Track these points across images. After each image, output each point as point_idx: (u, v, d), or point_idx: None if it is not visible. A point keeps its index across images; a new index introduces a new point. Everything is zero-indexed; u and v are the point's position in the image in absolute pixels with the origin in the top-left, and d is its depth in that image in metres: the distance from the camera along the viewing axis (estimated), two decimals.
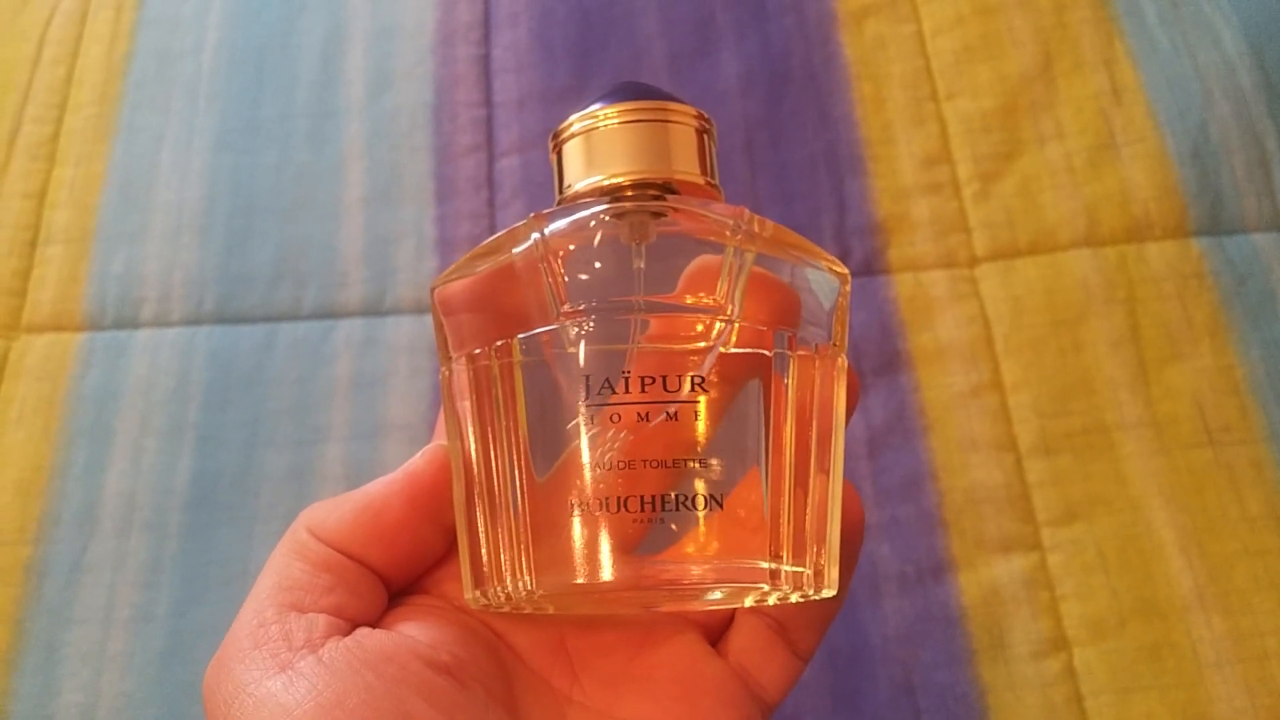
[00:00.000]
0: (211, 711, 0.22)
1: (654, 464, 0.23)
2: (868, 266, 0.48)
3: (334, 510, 0.25)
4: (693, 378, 0.23)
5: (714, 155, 0.27)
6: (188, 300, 0.48)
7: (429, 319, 0.48)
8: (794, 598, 0.25)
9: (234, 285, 0.49)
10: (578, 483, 0.23)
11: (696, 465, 0.23)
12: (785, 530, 0.24)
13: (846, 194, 0.50)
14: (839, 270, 0.26)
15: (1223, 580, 0.41)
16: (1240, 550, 0.42)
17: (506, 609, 0.25)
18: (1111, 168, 0.50)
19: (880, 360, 0.46)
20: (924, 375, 0.46)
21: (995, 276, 0.48)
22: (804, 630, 0.27)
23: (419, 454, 0.26)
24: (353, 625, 0.24)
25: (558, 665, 0.26)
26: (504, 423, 0.24)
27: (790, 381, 0.24)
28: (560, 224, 0.25)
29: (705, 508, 0.23)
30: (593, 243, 0.24)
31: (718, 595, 0.25)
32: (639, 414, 0.23)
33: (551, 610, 0.25)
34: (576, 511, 0.23)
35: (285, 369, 0.47)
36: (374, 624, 0.24)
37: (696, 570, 0.23)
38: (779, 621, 0.27)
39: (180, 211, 0.50)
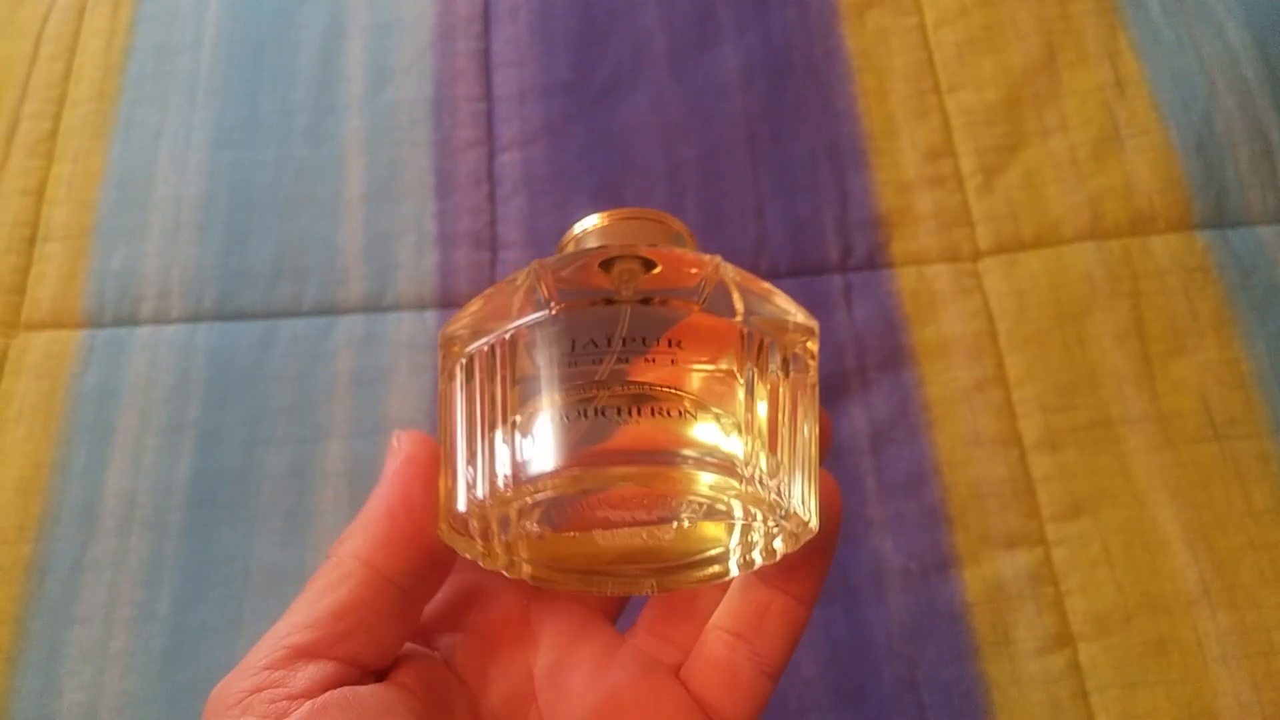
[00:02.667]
0: None
1: (633, 384, 0.24)
2: (871, 260, 0.48)
3: (360, 529, 0.25)
4: (669, 339, 0.25)
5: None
6: (187, 297, 0.48)
7: (430, 315, 0.48)
8: (777, 539, 0.25)
9: (234, 282, 0.48)
10: (559, 398, 0.24)
11: (676, 392, 0.24)
12: (757, 450, 0.24)
13: (849, 187, 0.50)
14: (810, 326, 0.27)
15: (1228, 574, 0.41)
16: (1246, 544, 0.42)
17: (478, 544, 0.25)
18: (1115, 160, 0.49)
19: (883, 355, 0.46)
20: (927, 370, 0.46)
21: (999, 270, 0.47)
22: (771, 642, 0.27)
23: (392, 453, 0.26)
24: (362, 672, 0.24)
25: (528, 713, 0.27)
26: (498, 394, 0.25)
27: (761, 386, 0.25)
28: (557, 264, 0.26)
29: (680, 416, 0.24)
30: (584, 281, 0.26)
31: (703, 483, 0.24)
32: (620, 358, 0.24)
33: (522, 553, 0.26)
34: (556, 417, 0.23)
35: (285, 366, 0.47)
36: (385, 667, 0.25)
37: (677, 451, 0.23)
38: (743, 638, 0.27)
39: (179, 208, 0.50)
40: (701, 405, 0.24)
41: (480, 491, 0.24)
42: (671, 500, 0.25)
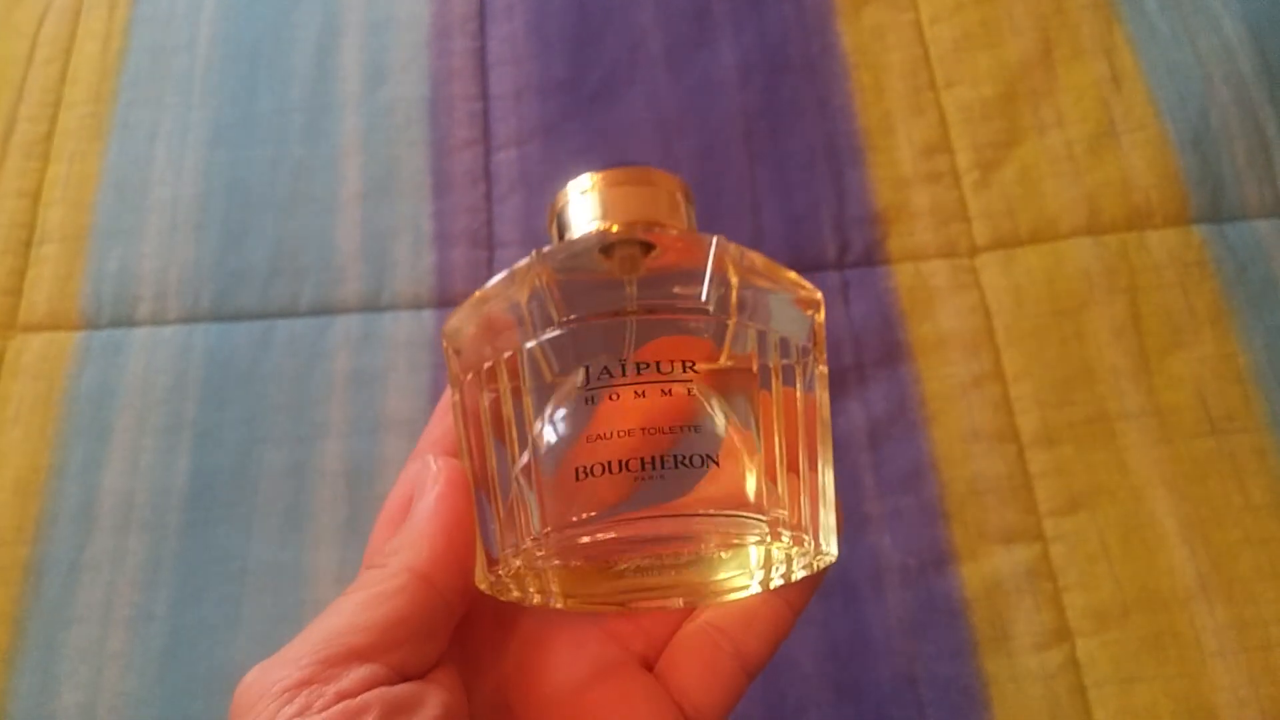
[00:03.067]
0: (238, 718, 0.23)
1: (651, 430, 0.24)
2: (868, 257, 0.48)
3: (415, 543, 0.26)
4: (684, 363, 0.25)
5: (693, 216, 0.29)
6: (184, 297, 0.48)
7: (427, 314, 0.48)
8: (796, 564, 0.26)
9: (230, 282, 0.48)
10: (580, 453, 0.24)
11: (692, 431, 0.25)
12: (781, 492, 0.25)
13: (846, 184, 0.50)
14: (813, 298, 0.27)
15: (1226, 569, 0.41)
16: (1243, 539, 0.42)
17: (514, 588, 0.26)
18: (1112, 155, 0.49)
19: (881, 351, 0.46)
20: (925, 366, 0.46)
21: (996, 266, 0.47)
22: (755, 641, 0.27)
23: (434, 473, 0.27)
24: (402, 680, 0.24)
25: (503, 719, 0.27)
26: (515, 417, 0.25)
27: (775, 388, 0.26)
28: (556, 256, 0.27)
29: (703, 466, 0.24)
30: (586, 270, 0.27)
31: (720, 554, 0.26)
32: (636, 391, 0.25)
33: (557, 591, 0.26)
34: (579, 476, 0.24)
35: (283, 365, 0.47)
36: (422, 675, 0.25)
37: (698, 519, 0.24)
38: (728, 634, 0.27)
39: (176, 208, 0.50)
40: (722, 444, 0.25)
41: (511, 557, 0.25)
42: (700, 548, 0.26)
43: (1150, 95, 0.51)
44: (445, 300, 0.48)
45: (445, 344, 0.28)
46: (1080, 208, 0.48)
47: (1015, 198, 0.49)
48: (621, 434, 0.24)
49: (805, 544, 0.25)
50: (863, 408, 0.45)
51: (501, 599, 0.26)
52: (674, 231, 0.27)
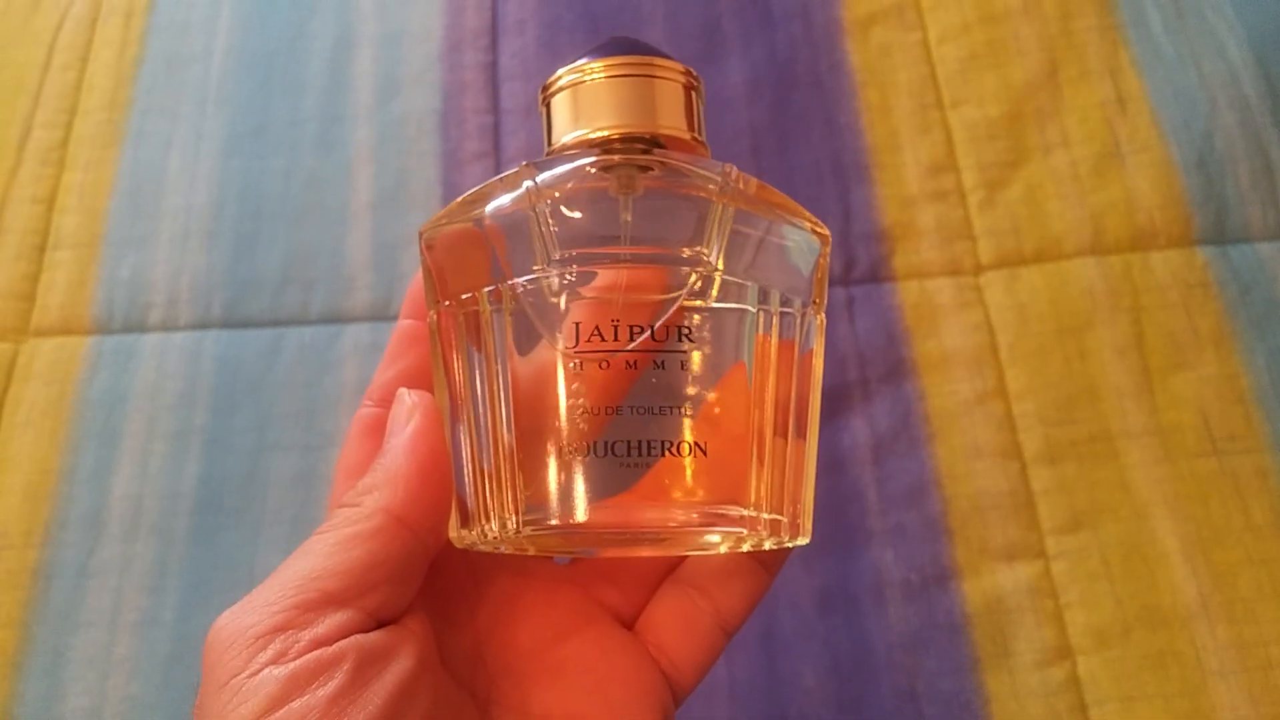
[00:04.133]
0: (211, 664, 0.22)
1: (640, 410, 0.23)
2: (873, 274, 0.48)
3: (388, 484, 0.25)
4: (680, 329, 0.24)
5: (701, 111, 0.27)
6: (195, 304, 0.49)
7: (421, 249, 0.48)
8: (768, 544, 0.25)
9: (242, 290, 0.49)
10: (564, 427, 0.23)
11: (682, 413, 0.24)
12: (765, 479, 0.24)
13: (852, 201, 0.50)
14: (820, 231, 0.26)
15: (1227, 589, 0.41)
16: (1245, 559, 0.42)
17: (487, 548, 0.25)
18: (1116, 176, 0.50)
19: (885, 368, 0.46)
20: (929, 383, 0.46)
21: (1000, 284, 0.48)
22: (732, 599, 0.28)
23: (408, 408, 0.26)
24: (375, 624, 0.24)
25: (477, 673, 0.27)
26: (494, 368, 0.24)
27: (772, 337, 0.25)
28: (549, 174, 0.25)
29: (690, 454, 0.24)
30: (581, 194, 0.25)
31: (707, 541, 0.26)
32: (627, 361, 0.24)
33: (532, 551, 0.26)
34: (561, 455, 0.23)
35: (292, 373, 0.47)
36: (395, 619, 0.25)
37: (679, 514, 0.24)
38: (705, 593, 0.28)
39: (188, 216, 0.51)
40: (712, 427, 0.24)
41: (489, 527, 0.24)
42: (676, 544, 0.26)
43: (1155, 117, 0.51)
44: None
45: (422, 247, 0.26)
46: (1084, 228, 0.49)
47: (1020, 217, 0.49)
48: (608, 411, 0.23)
49: (782, 533, 0.25)
50: (867, 423, 0.45)
51: (472, 549, 0.26)
52: (680, 158, 0.26)
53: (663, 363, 0.24)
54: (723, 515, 0.24)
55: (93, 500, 0.44)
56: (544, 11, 0.55)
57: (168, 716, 0.40)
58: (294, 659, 0.22)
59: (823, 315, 0.27)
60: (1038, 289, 0.48)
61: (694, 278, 0.24)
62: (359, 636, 0.23)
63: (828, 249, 0.26)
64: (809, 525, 0.26)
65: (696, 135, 0.27)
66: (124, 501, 0.44)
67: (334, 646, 0.22)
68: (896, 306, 0.48)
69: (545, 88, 0.27)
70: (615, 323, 0.24)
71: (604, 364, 0.24)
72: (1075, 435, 0.44)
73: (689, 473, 0.24)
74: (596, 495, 0.23)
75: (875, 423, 0.45)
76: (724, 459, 0.24)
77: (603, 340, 0.24)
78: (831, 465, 0.44)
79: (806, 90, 0.53)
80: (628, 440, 0.23)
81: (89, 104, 0.54)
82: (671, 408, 0.24)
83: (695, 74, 0.27)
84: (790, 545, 0.26)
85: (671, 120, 0.26)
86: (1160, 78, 0.52)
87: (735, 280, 0.24)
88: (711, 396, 0.24)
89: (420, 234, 0.26)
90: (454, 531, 0.25)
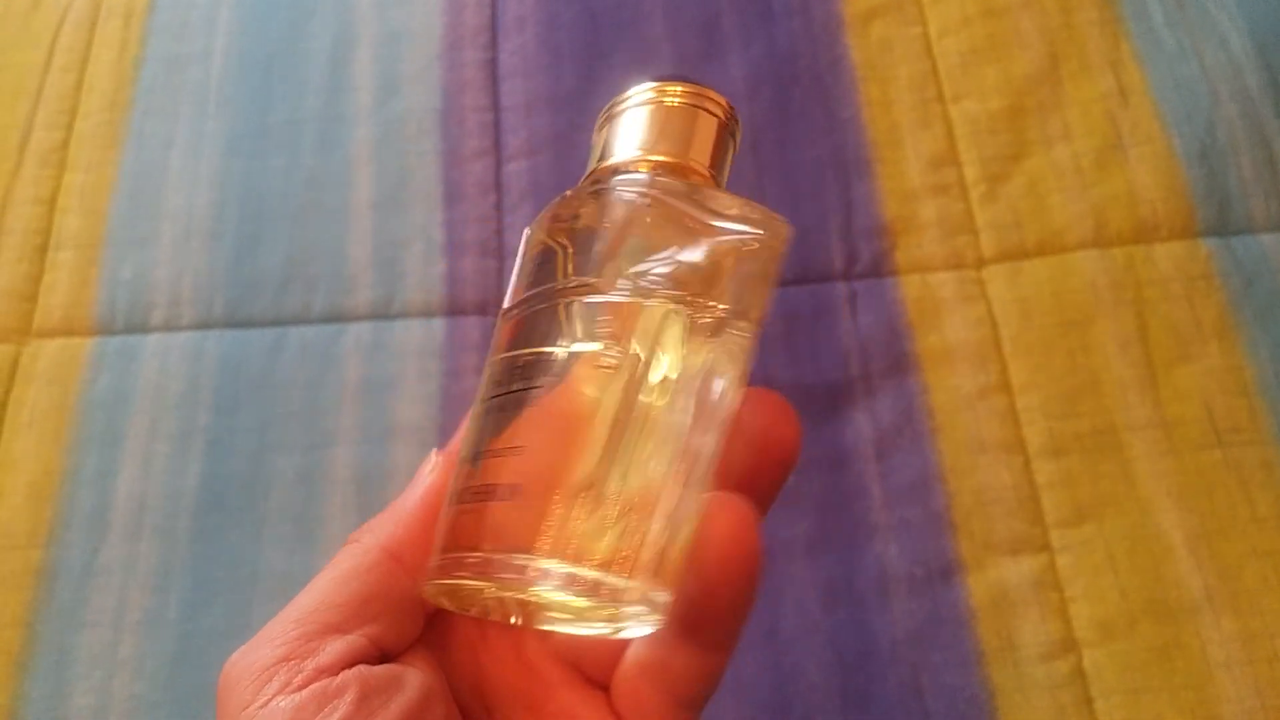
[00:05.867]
0: (223, 700, 0.23)
1: (493, 454, 0.22)
2: (875, 268, 0.48)
3: (389, 522, 0.25)
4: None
5: (724, 146, 0.25)
6: (197, 304, 0.49)
7: (437, 323, 0.48)
8: (601, 622, 0.22)
9: (243, 289, 0.49)
10: (467, 471, 0.23)
11: (515, 457, 0.22)
12: (588, 527, 0.21)
13: (854, 196, 0.50)
14: (762, 235, 0.23)
15: (1232, 581, 0.41)
16: (1249, 551, 0.42)
17: (447, 601, 0.25)
18: (1119, 169, 0.50)
19: (888, 362, 0.46)
20: (932, 377, 0.46)
21: (1003, 278, 0.48)
22: (683, 682, 0.25)
23: (432, 464, 0.26)
24: (380, 656, 0.24)
25: (479, 714, 0.27)
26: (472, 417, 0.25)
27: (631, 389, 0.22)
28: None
29: (508, 499, 0.22)
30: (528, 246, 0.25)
31: (543, 596, 0.22)
32: (500, 405, 0.23)
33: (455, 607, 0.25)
34: (454, 500, 0.23)
35: (294, 373, 0.47)
36: (404, 651, 0.25)
37: (474, 559, 0.22)
38: (661, 665, 0.25)
39: (190, 216, 0.51)
40: (553, 474, 0.21)
41: (423, 578, 0.24)
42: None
43: (1157, 109, 0.51)
44: (455, 309, 0.48)
45: None
46: (1087, 221, 0.49)
47: (1022, 210, 0.49)
48: (470, 457, 0.23)
49: (620, 623, 0.22)
50: (870, 418, 0.45)
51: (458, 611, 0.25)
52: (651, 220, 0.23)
53: (516, 401, 0.22)
54: (519, 564, 0.21)
55: (96, 500, 0.44)
56: (543, 9, 0.55)
57: (172, 715, 0.40)
58: (300, 688, 0.22)
59: (746, 328, 0.23)
60: (1040, 282, 0.47)
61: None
62: (363, 667, 0.23)
63: (780, 249, 0.23)
64: (659, 602, 0.21)
65: (712, 171, 0.25)
66: (127, 501, 0.44)
67: (338, 676, 0.23)
68: (899, 301, 0.48)
69: (606, 112, 0.26)
70: (498, 361, 0.23)
71: (498, 407, 0.23)
72: (1079, 428, 0.44)
73: (506, 517, 0.22)
74: (442, 546, 0.23)
75: (878, 418, 0.45)
76: (548, 504, 0.21)
77: (497, 386, 0.23)
78: (835, 461, 0.44)
79: (807, 85, 0.53)
80: (471, 486, 0.22)
81: (89, 105, 0.54)
82: (511, 450, 0.22)
83: (735, 115, 0.25)
84: (626, 621, 0.22)
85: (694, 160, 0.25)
86: (1162, 70, 0.52)
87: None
88: (550, 442, 0.22)
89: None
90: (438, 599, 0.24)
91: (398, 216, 0.50)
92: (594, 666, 0.27)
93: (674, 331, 0.22)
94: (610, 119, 0.25)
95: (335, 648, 0.23)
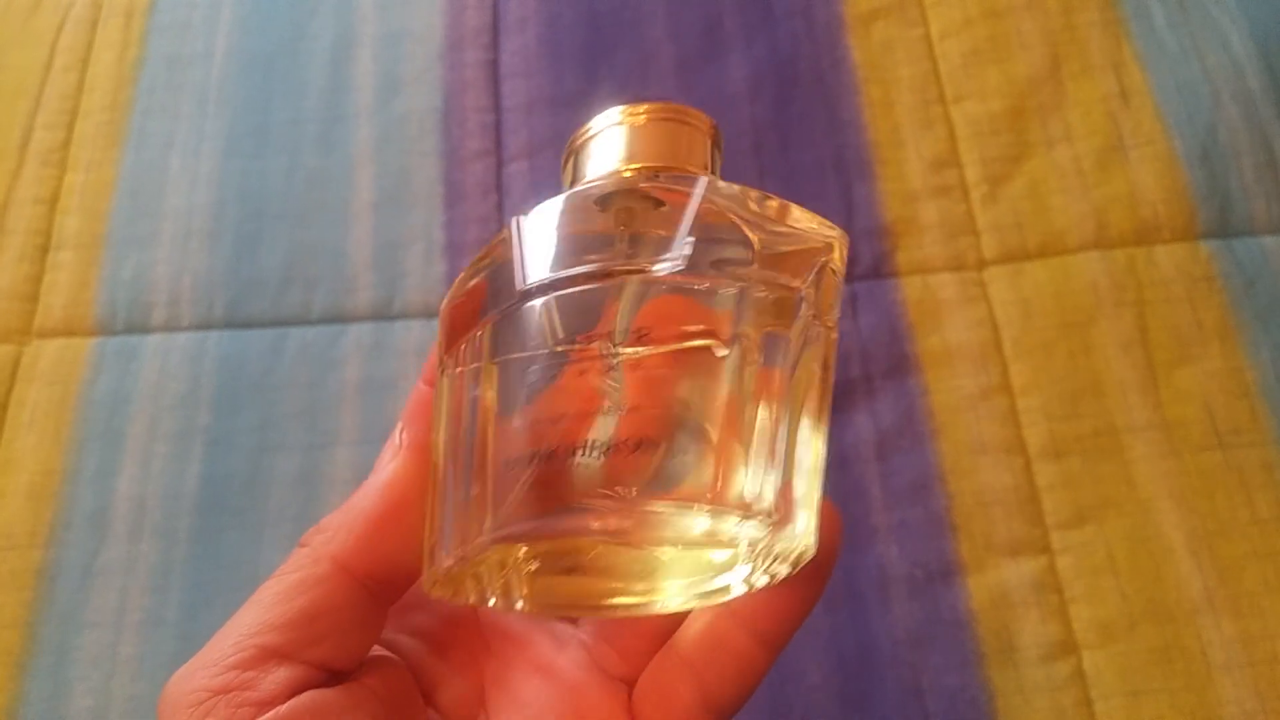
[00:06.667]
0: None
1: (592, 414, 0.22)
2: (876, 269, 0.48)
3: (342, 528, 0.24)
4: (637, 330, 0.22)
5: (717, 162, 0.26)
6: (198, 305, 0.49)
7: (437, 322, 0.48)
8: (773, 563, 0.23)
9: (244, 290, 0.49)
10: (534, 434, 0.22)
11: (652, 413, 0.22)
12: (744, 476, 0.22)
13: (855, 197, 0.50)
14: (827, 241, 0.25)
15: (1233, 583, 0.41)
16: (1250, 553, 0.42)
17: (470, 590, 0.24)
18: (1120, 170, 0.50)
19: (889, 363, 0.46)
20: (933, 378, 0.46)
21: (1004, 279, 0.48)
22: (718, 679, 0.25)
23: (394, 448, 0.25)
24: (329, 675, 0.23)
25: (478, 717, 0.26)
26: (475, 395, 0.23)
27: (751, 363, 0.23)
28: (534, 212, 0.25)
29: (663, 446, 0.22)
30: (582, 225, 0.24)
31: (686, 535, 0.22)
32: (600, 366, 0.22)
33: (518, 589, 0.24)
34: (531, 462, 0.22)
35: (295, 373, 0.47)
36: (351, 669, 0.24)
37: (645, 506, 0.21)
38: (694, 668, 0.25)
39: (190, 217, 0.51)
40: (680, 424, 0.22)
41: (454, 552, 0.22)
42: (653, 552, 0.23)
43: (1158, 111, 0.51)
44: None
45: (439, 323, 0.26)
46: (1088, 222, 0.49)
47: (1023, 212, 0.49)
48: (577, 415, 0.22)
49: (773, 552, 0.22)
50: (870, 420, 0.45)
51: (454, 602, 0.24)
52: (669, 180, 0.25)
53: (637, 363, 0.22)
54: (695, 509, 0.21)
55: (96, 501, 0.44)
56: (545, 9, 0.55)
57: None
58: None
59: (832, 328, 0.24)
60: (1041, 284, 0.47)
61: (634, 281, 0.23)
62: (312, 694, 0.22)
63: (836, 259, 0.25)
64: (813, 531, 0.22)
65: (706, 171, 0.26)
66: (127, 502, 0.44)
67: (285, 706, 0.22)
68: (900, 302, 0.48)
69: (570, 143, 0.27)
70: (585, 332, 0.23)
71: (581, 371, 0.22)
72: (1080, 430, 0.44)
73: (655, 463, 0.22)
74: (556, 494, 0.22)
75: (879, 419, 0.45)
76: (702, 461, 0.22)
77: (573, 347, 0.22)
78: (835, 461, 0.44)
79: (808, 87, 0.53)
80: (590, 440, 0.22)
81: (90, 105, 0.54)
82: (640, 408, 0.22)
83: (715, 127, 0.27)
84: (800, 557, 0.22)
85: (684, 162, 0.26)
86: (1163, 71, 0.52)
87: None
88: (686, 402, 0.22)
89: (439, 312, 0.26)
90: (426, 575, 0.24)
91: (398, 217, 0.50)
92: (627, 667, 0.26)
93: (766, 309, 0.23)
94: (620, 128, 0.26)
95: (277, 677, 0.22)
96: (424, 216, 0.50)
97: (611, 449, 0.21)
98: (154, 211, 0.51)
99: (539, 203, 0.26)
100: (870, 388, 0.46)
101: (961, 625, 0.41)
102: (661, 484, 0.22)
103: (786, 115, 0.52)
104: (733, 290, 0.23)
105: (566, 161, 0.27)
